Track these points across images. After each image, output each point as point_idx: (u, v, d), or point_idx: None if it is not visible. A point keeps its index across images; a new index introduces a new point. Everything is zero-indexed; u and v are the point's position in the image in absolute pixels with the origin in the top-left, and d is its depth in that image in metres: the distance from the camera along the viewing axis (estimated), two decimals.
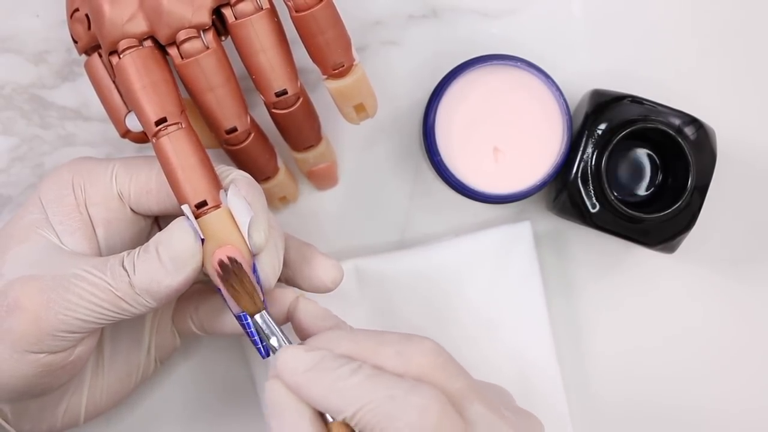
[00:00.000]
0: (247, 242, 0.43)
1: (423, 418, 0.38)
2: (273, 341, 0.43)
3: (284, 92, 0.46)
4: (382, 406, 0.39)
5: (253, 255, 0.44)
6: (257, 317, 0.43)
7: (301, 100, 0.48)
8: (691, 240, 0.53)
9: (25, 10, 0.55)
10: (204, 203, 0.43)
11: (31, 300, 0.43)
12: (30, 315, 0.42)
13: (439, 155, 0.52)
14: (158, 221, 0.49)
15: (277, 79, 0.46)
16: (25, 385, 0.44)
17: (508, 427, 0.41)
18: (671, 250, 0.53)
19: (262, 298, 0.44)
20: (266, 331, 0.43)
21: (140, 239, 0.45)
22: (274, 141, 0.51)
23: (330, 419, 0.40)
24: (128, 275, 0.43)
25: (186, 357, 0.56)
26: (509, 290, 0.55)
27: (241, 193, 0.44)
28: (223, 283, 0.43)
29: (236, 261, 0.43)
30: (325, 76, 0.47)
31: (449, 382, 0.41)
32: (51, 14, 0.55)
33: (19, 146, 0.55)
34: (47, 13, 0.55)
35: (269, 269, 0.44)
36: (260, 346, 0.44)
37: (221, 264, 0.42)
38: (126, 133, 0.48)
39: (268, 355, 0.44)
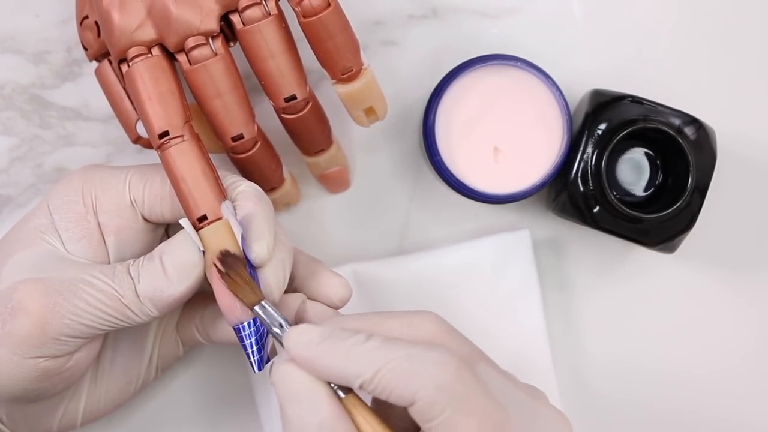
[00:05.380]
0: (247, 254, 0.43)
1: (444, 372, 0.39)
2: (277, 329, 0.43)
3: (293, 97, 0.47)
4: (401, 365, 0.39)
5: (256, 267, 0.44)
6: (257, 308, 0.43)
7: (310, 104, 0.48)
8: (691, 240, 0.53)
9: (25, 10, 0.55)
10: (204, 217, 0.43)
11: (36, 303, 0.43)
12: (34, 318, 0.42)
13: (439, 155, 0.52)
14: (168, 232, 0.50)
15: (287, 84, 0.46)
16: (22, 389, 0.44)
17: (516, 388, 0.42)
18: (671, 250, 0.53)
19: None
20: (269, 321, 0.43)
21: (151, 249, 0.45)
22: (285, 145, 0.51)
23: (342, 395, 0.40)
24: (134, 283, 0.43)
25: (187, 363, 0.56)
26: (507, 298, 0.55)
27: (231, 210, 0.44)
28: (223, 276, 0.43)
29: (231, 254, 0.43)
30: (334, 81, 0.47)
31: (456, 345, 0.42)
32: (51, 14, 0.55)
33: (19, 146, 0.55)
34: (47, 13, 0.55)
35: (273, 283, 0.44)
36: (254, 359, 0.44)
37: (221, 258, 0.43)
38: (137, 139, 0.48)
39: (261, 369, 0.44)
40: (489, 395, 0.39)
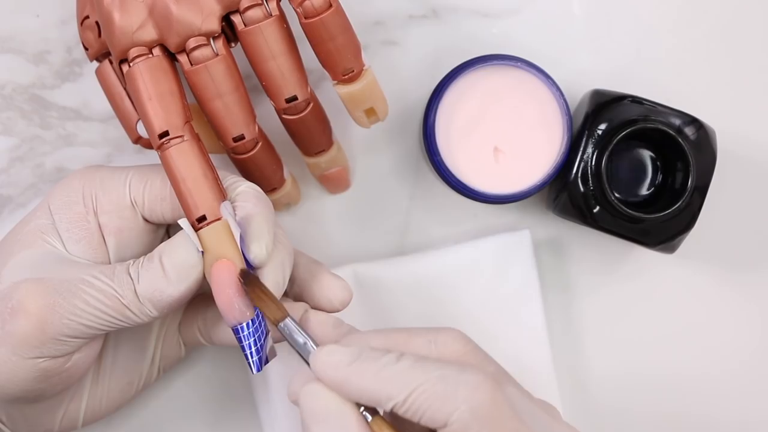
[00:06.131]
0: (246, 255, 0.43)
1: (479, 394, 0.38)
2: (301, 345, 0.43)
3: (294, 98, 0.47)
4: (435, 386, 0.39)
5: (255, 268, 0.44)
6: (281, 325, 0.43)
7: (311, 105, 0.48)
8: (691, 240, 0.53)
9: (25, 10, 0.55)
10: (204, 217, 0.43)
11: (35, 303, 0.43)
12: (34, 318, 0.42)
13: (439, 155, 0.52)
14: (169, 233, 0.50)
15: (288, 85, 0.46)
16: (21, 390, 0.44)
17: (539, 409, 0.42)
18: (671, 250, 0.53)
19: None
20: (295, 336, 0.43)
21: (152, 250, 0.45)
22: (285, 145, 0.51)
23: (369, 418, 0.40)
24: (134, 283, 0.43)
25: (188, 363, 0.56)
26: (507, 298, 0.55)
27: (230, 210, 0.44)
28: (247, 292, 0.43)
29: (247, 272, 0.43)
30: (335, 82, 0.47)
31: (483, 365, 0.42)
32: (51, 14, 0.55)
33: (19, 146, 0.55)
34: (47, 13, 0.55)
35: (272, 284, 0.44)
36: (252, 360, 0.44)
37: (242, 275, 0.43)
38: (138, 140, 0.48)
39: (259, 369, 0.44)
40: (520, 419, 0.39)
